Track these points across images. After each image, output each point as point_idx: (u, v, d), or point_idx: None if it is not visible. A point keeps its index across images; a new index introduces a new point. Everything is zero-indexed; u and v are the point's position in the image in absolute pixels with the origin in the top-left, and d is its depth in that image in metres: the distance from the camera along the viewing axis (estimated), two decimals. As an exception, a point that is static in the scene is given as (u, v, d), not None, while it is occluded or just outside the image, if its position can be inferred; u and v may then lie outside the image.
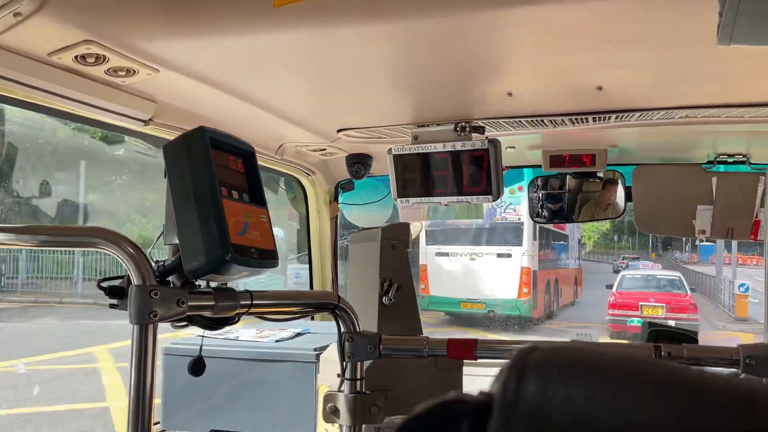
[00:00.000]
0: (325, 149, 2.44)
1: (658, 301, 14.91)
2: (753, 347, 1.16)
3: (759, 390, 0.27)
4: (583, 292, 23.96)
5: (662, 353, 1.20)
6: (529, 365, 0.30)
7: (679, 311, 14.45)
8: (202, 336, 1.45)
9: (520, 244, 16.71)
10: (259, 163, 2.42)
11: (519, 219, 16.29)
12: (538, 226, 16.12)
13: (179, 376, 1.96)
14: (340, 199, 2.88)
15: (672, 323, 18.22)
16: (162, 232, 1.21)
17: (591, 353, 0.30)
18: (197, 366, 1.47)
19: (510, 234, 16.86)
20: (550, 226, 17.87)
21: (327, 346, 1.85)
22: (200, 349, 1.51)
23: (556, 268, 20.11)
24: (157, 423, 2.00)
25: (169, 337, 2.16)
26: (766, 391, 0.27)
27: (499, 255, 16.95)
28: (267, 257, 1.19)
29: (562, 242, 21.47)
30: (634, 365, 0.29)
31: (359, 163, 2.56)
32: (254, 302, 1.19)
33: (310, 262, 2.90)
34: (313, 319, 2.84)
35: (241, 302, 1.17)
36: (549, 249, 19.63)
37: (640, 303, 14.83)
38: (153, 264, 1.14)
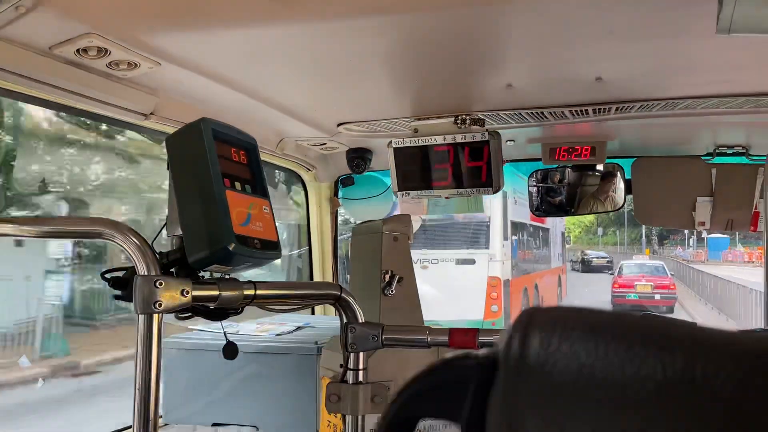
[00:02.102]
0: (325, 143, 2.45)
1: (648, 281, 20.83)
2: (751, 332, 1.17)
3: (761, 340, 0.28)
4: (568, 293, 21.50)
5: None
6: (533, 322, 0.31)
7: (663, 288, 20.58)
8: (222, 324, 1.46)
9: (486, 246, 12.50)
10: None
11: (485, 216, 12.13)
12: (510, 222, 13.16)
13: (180, 369, 1.97)
14: (340, 194, 2.89)
15: (657, 296, 20.69)
16: (165, 224, 1.22)
17: (592, 311, 0.31)
18: (229, 350, 1.48)
19: (474, 234, 12.61)
20: (528, 219, 15.06)
21: (328, 339, 1.85)
22: (225, 335, 1.52)
23: (535, 271, 16.49)
24: (160, 417, 2.00)
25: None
26: (758, 341, 0.28)
27: (460, 261, 12.46)
28: (270, 248, 1.19)
29: (543, 238, 17.95)
30: (636, 320, 0.30)
31: (359, 157, 2.57)
32: (258, 292, 1.19)
33: (310, 257, 2.90)
34: (313, 313, 2.85)
35: (245, 292, 1.17)
36: (526, 248, 15.84)
37: (635, 282, 20.83)
38: (157, 255, 1.14)
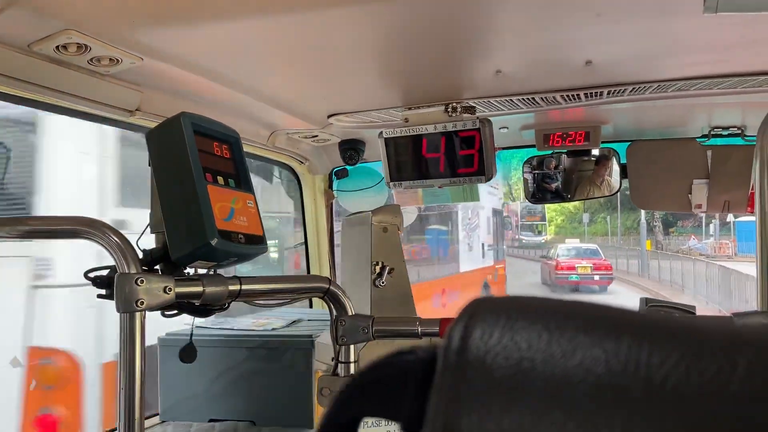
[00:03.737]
0: (317, 136, 2.43)
1: (587, 262, 22.81)
2: (747, 315, 1.16)
3: (706, 325, 0.26)
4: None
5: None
6: (477, 313, 0.29)
7: (601, 268, 22.64)
8: (192, 323, 1.45)
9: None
10: (251, 152, 2.44)
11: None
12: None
13: (175, 366, 1.96)
14: (335, 186, 2.87)
15: (596, 277, 21.99)
16: (149, 222, 1.20)
17: (542, 300, 0.29)
18: (187, 352, 1.47)
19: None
20: (431, 210, 10.97)
21: (323, 332, 1.84)
22: (191, 336, 1.51)
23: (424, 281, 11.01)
24: (156, 414, 2.00)
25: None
26: (713, 328, 0.26)
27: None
28: (255, 242, 1.18)
29: (445, 232, 12.93)
30: (588, 307, 0.28)
31: (352, 149, 2.55)
32: (243, 288, 1.18)
33: (306, 250, 2.89)
34: (311, 306, 2.84)
35: (230, 288, 1.16)
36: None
37: (576, 264, 22.65)
38: (140, 252, 1.13)
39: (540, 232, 43.63)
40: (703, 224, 33.72)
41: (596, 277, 22.28)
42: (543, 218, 43.07)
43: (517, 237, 41.91)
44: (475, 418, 0.26)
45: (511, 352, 0.27)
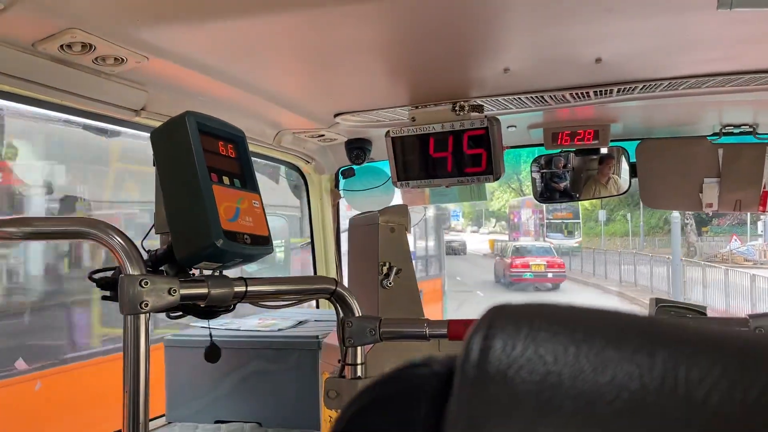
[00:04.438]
0: (323, 135, 2.41)
1: (541, 259, 22.92)
2: (763, 317, 1.13)
3: (744, 338, 0.24)
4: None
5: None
6: (497, 323, 0.27)
7: (554, 266, 22.86)
8: (209, 324, 1.44)
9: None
10: (258, 151, 2.42)
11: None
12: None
13: (182, 368, 1.95)
14: (341, 186, 2.86)
15: (550, 275, 22.08)
16: (154, 222, 1.19)
17: (566, 308, 0.27)
18: (212, 353, 1.46)
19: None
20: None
21: (330, 333, 1.83)
22: (210, 336, 1.50)
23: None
24: (162, 416, 1.99)
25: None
26: (753, 340, 0.24)
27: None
28: (260, 243, 1.16)
29: None
30: (615, 317, 0.26)
31: (359, 148, 2.53)
32: (249, 289, 1.16)
33: (313, 250, 2.88)
34: (318, 307, 2.82)
35: (236, 289, 1.14)
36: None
37: (530, 262, 22.75)
38: (145, 254, 1.12)
39: (571, 233, 33.18)
40: (748, 222, 26.24)
41: (550, 275, 22.61)
42: (576, 215, 32.71)
43: (542, 240, 32.38)
44: None
45: (536, 365, 0.25)
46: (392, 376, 0.33)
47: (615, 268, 23.29)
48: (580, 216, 33.59)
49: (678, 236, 19.44)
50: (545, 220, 32.94)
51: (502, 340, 0.26)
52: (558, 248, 26.44)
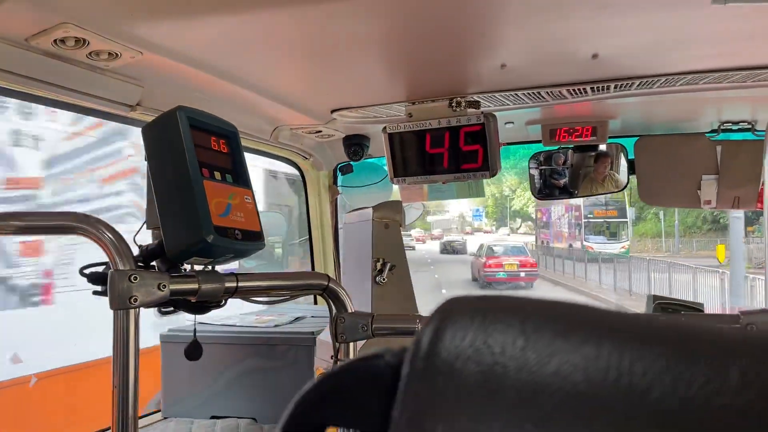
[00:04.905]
0: (320, 131, 2.41)
1: (513, 259, 23.68)
2: (754, 313, 1.13)
3: (694, 332, 0.24)
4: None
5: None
6: (450, 314, 0.27)
7: (526, 266, 23.51)
8: (195, 320, 1.43)
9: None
10: (255, 147, 2.42)
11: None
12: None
13: (178, 363, 1.95)
14: (339, 182, 2.85)
15: (522, 274, 22.42)
16: (145, 217, 1.19)
17: (521, 300, 0.27)
18: (193, 350, 1.46)
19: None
20: None
21: (324, 329, 1.83)
22: (194, 333, 1.50)
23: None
24: (158, 411, 1.99)
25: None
26: (701, 334, 0.23)
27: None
28: (252, 239, 1.16)
29: None
30: (569, 309, 0.26)
31: (356, 144, 2.53)
32: (240, 285, 1.16)
33: (311, 246, 2.88)
34: (316, 303, 2.82)
35: (227, 284, 1.14)
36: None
37: (503, 262, 23.53)
38: (135, 249, 1.12)
39: (615, 236, 27.35)
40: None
41: (522, 274, 23.17)
42: (622, 213, 27.26)
43: (579, 244, 27.71)
44: (440, 429, 0.24)
45: (483, 356, 0.25)
46: (346, 367, 0.33)
47: (641, 276, 19.12)
48: (628, 214, 27.46)
49: (739, 234, 13.62)
50: (582, 219, 27.59)
51: (452, 331, 0.26)
52: (597, 256, 23.42)
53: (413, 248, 40.61)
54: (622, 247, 26.21)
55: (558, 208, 30.28)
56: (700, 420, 0.21)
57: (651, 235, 29.74)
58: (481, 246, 26.34)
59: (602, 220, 27.21)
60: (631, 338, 0.23)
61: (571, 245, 28.77)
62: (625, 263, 21.70)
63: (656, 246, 28.09)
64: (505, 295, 0.28)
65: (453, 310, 0.27)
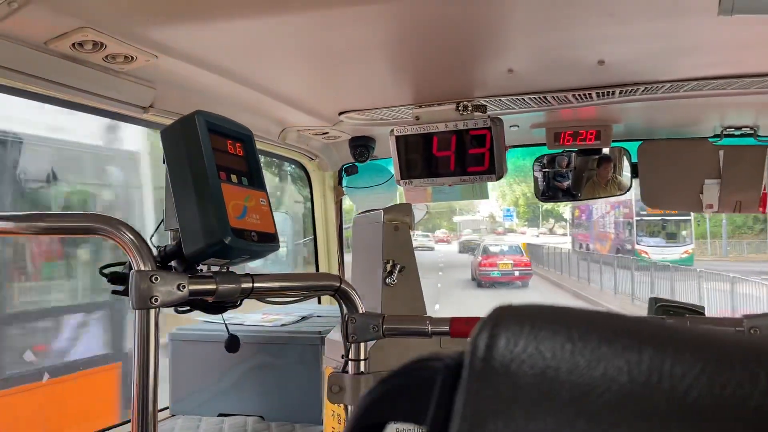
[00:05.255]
0: (327, 132, 2.44)
1: (508, 258, 23.70)
2: (757, 317, 1.15)
3: (725, 338, 0.26)
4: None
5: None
6: (502, 321, 0.30)
7: (521, 265, 23.53)
8: (221, 317, 1.47)
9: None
10: (262, 148, 2.44)
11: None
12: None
13: (186, 361, 1.98)
14: (344, 183, 2.88)
15: (517, 273, 22.40)
16: (163, 219, 1.21)
17: (564, 308, 0.30)
18: (231, 343, 1.49)
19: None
20: None
21: (333, 329, 1.85)
22: (227, 328, 1.53)
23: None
24: (167, 408, 2.02)
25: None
26: (732, 341, 0.26)
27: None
28: (267, 240, 1.19)
29: None
30: (610, 318, 0.29)
31: (362, 146, 2.55)
32: (256, 285, 1.19)
33: (315, 247, 2.90)
34: (320, 302, 2.85)
35: (243, 285, 1.16)
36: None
37: (498, 261, 23.61)
38: (154, 250, 1.14)
39: (673, 236, 22.53)
40: None
41: (516, 273, 23.25)
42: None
43: (629, 248, 23.06)
44: (501, 424, 0.27)
45: (536, 360, 0.27)
46: (405, 368, 0.35)
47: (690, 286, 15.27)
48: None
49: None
50: (634, 218, 22.84)
51: (506, 337, 0.29)
52: (652, 265, 18.20)
53: (432, 248, 40.22)
54: (685, 252, 21.69)
55: (601, 203, 24.83)
56: (735, 419, 0.24)
57: (695, 236, 24.79)
58: (479, 246, 26.89)
59: (659, 218, 22.12)
60: (669, 344, 0.26)
61: (618, 249, 23.57)
62: (687, 273, 16.42)
63: (701, 249, 24.08)
64: (547, 304, 0.31)
65: (503, 317, 0.30)
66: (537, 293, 21.50)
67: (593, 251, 26.37)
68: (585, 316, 0.29)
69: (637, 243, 22.45)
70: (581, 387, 0.26)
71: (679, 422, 0.24)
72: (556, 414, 0.26)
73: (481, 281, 23.28)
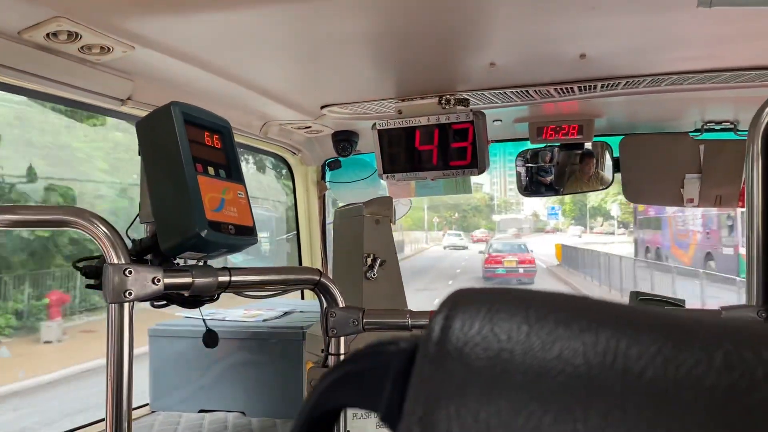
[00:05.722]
0: (309, 126, 2.42)
1: (512, 256, 24.70)
2: (735, 309, 1.16)
3: (683, 320, 0.26)
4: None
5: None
6: (458, 304, 0.29)
7: (525, 262, 24.36)
8: (200, 312, 1.45)
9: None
10: (244, 142, 2.42)
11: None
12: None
13: (166, 357, 1.96)
14: (327, 177, 2.87)
15: (521, 270, 23.14)
16: (139, 212, 1.20)
17: (524, 291, 0.29)
18: (209, 338, 1.47)
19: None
20: None
21: (314, 323, 1.84)
22: (204, 322, 1.51)
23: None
24: (146, 404, 2.00)
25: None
26: (689, 322, 0.26)
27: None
28: (245, 233, 1.17)
29: None
30: (569, 299, 0.28)
31: (345, 140, 2.54)
32: (233, 279, 1.17)
33: (298, 241, 2.89)
34: (303, 297, 2.84)
35: (220, 279, 1.15)
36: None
37: (503, 259, 24.63)
38: (129, 243, 1.12)
39: None
40: None
41: (521, 270, 24.11)
42: None
43: (730, 252, 16.30)
44: (453, 409, 0.26)
45: (491, 343, 0.27)
46: (361, 353, 0.35)
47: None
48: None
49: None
50: (737, 210, 8.61)
51: (462, 320, 0.28)
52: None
53: (465, 247, 40.05)
54: None
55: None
56: (690, 398, 0.23)
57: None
58: (488, 244, 28.37)
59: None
60: (627, 325, 0.26)
61: (709, 255, 17.41)
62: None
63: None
64: (507, 287, 0.30)
65: (460, 301, 0.29)
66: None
67: (667, 255, 20.72)
68: (545, 298, 0.28)
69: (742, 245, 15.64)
70: (535, 369, 0.26)
71: (633, 403, 0.24)
72: (510, 397, 0.25)
73: (486, 278, 24.17)
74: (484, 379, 0.26)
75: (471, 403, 0.26)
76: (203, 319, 1.41)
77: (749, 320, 1.09)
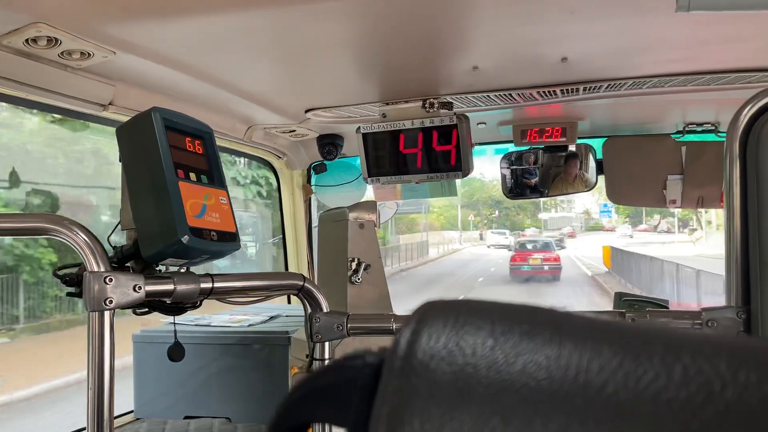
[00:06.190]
0: (294, 130, 2.41)
1: (538, 254, 25.32)
2: (715, 310, 1.17)
3: (647, 332, 0.26)
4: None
5: (626, 319, 1.20)
6: (426, 317, 0.29)
7: (550, 260, 24.97)
8: (174, 321, 1.43)
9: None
10: (229, 146, 2.41)
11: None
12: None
13: (150, 363, 1.94)
14: (313, 181, 2.86)
15: (546, 267, 23.85)
16: (120, 218, 1.19)
17: (491, 304, 0.29)
18: (175, 351, 1.46)
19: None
20: None
21: (299, 328, 1.84)
22: (175, 334, 1.50)
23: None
24: (131, 412, 1.98)
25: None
26: (654, 334, 0.26)
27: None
28: (227, 239, 1.17)
29: None
30: (535, 311, 0.28)
31: (330, 143, 2.54)
32: (216, 285, 1.17)
33: (284, 246, 2.88)
34: (289, 302, 2.83)
35: (202, 285, 1.14)
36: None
37: (528, 256, 25.20)
38: (111, 250, 1.11)
39: None
40: None
41: (546, 267, 24.61)
42: None
43: None
44: (417, 424, 0.26)
45: (456, 357, 0.27)
46: (328, 367, 0.34)
47: None
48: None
49: None
50: None
51: (428, 334, 0.28)
52: None
53: (509, 246, 39.33)
54: None
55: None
56: (650, 412, 0.23)
57: None
58: (516, 242, 29.44)
59: None
60: (590, 339, 0.26)
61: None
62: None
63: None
64: (476, 299, 0.30)
65: (428, 313, 0.29)
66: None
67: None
68: (513, 311, 0.28)
69: None
70: (498, 384, 0.26)
71: (593, 417, 0.24)
72: (472, 412, 0.25)
73: (513, 275, 24.94)
74: (448, 393, 0.26)
75: (435, 418, 0.26)
76: (174, 331, 1.39)
77: (711, 332, 1.11)
